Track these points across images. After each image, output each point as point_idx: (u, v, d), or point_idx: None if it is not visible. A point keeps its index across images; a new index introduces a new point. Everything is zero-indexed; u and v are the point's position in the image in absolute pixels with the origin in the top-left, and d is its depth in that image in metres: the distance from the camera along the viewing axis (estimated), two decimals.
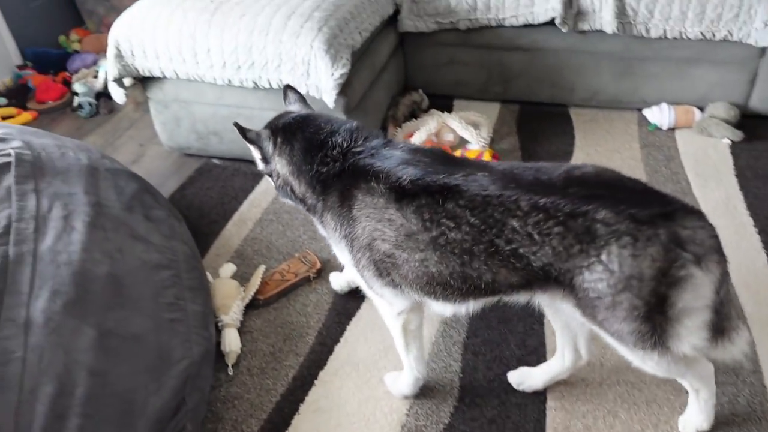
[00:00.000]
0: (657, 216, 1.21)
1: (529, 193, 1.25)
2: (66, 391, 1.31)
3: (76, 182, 1.85)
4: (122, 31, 2.45)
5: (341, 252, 1.52)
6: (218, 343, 1.81)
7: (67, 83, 3.51)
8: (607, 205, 1.22)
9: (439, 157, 1.41)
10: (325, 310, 1.97)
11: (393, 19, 2.82)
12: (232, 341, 1.81)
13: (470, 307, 1.45)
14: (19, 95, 3.43)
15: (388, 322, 1.61)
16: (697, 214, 1.27)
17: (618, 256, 1.20)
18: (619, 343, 1.34)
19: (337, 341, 1.86)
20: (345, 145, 1.43)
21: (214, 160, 2.76)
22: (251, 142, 1.57)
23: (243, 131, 1.56)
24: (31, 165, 1.82)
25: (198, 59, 2.36)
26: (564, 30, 2.63)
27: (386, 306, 1.55)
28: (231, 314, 1.87)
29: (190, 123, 2.66)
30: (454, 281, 1.34)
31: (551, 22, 2.65)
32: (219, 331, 1.85)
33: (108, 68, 2.55)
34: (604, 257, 1.21)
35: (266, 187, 2.53)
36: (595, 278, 1.23)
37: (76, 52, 3.82)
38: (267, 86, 2.36)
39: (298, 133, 1.50)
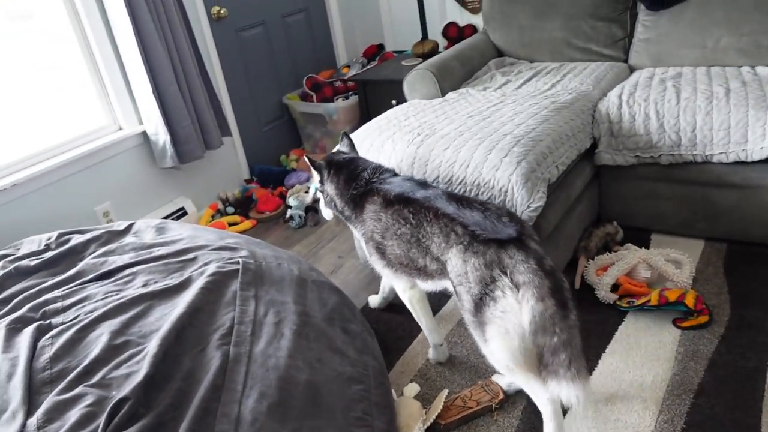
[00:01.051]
0: (492, 241, 1.68)
1: (443, 206, 1.87)
2: None
3: (288, 292, 2.06)
4: None
5: (362, 244, 2.19)
6: None
7: (283, 197, 3.98)
8: (466, 224, 1.76)
9: (419, 182, 2.08)
10: None
11: (590, 152, 2.84)
12: None
13: (429, 285, 2.01)
14: (243, 205, 3.95)
15: (401, 297, 2.26)
16: (528, 252, 1.63)
17: (454, 256, 1.75)
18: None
19: None
20: (368, 177, 2.15)
21: None
22: (316, 169, 2.29)
23: (312, 161, 2.29)
24: (254, 273, 2.07)
25: None
26: None
27: (398, 284, 2.20)
28: None
29: None
30: (408, 262, 1.97)
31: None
32: None
33: None
34: (450, 254, 1.77)
35: (452, 307, 2.59)
36: (450, 269, 1.78)
37: (293, 170, 4.34)
38: None
39: (344, 169, 2.22)
